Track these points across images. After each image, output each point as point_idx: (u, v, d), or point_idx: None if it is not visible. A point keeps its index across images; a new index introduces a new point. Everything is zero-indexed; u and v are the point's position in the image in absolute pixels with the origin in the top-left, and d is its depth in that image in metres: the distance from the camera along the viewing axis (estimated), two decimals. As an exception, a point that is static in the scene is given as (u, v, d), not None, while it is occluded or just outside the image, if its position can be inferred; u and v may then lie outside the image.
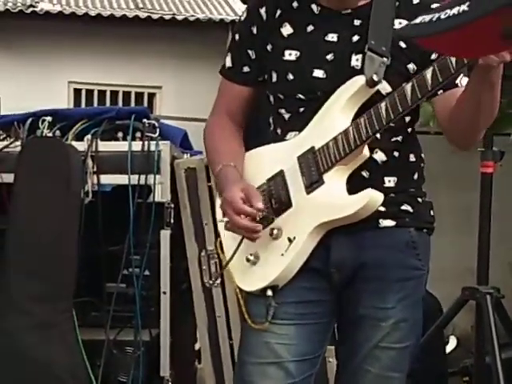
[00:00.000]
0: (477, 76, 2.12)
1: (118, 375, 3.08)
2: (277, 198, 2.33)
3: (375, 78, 2.24)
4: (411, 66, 2.29)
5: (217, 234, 2.53)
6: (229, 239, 2.40)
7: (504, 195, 3.96)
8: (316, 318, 2.36)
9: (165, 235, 3.08)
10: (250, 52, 2.43)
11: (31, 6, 10.44)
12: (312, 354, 2.37)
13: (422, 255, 2.40)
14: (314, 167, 2.29)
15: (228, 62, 2.48)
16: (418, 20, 0.92)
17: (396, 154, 2.33)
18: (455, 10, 0.87)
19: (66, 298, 2.97)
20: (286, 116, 2.38)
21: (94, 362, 2.97)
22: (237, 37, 2.48)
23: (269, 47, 2.39)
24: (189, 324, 3.21)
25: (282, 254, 2.29)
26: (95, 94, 10.81)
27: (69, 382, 2.90)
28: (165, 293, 3.08)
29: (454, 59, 2.09)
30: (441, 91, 2.26)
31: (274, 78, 2.38)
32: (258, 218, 2.24)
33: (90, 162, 3.10)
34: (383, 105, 2.18)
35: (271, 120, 2.47)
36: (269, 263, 2.31)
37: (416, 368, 4.08)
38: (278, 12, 2.39)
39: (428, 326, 4.32)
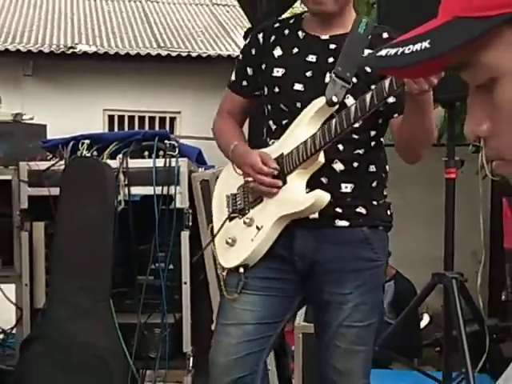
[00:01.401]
0: (409, 103, 2.20)
1: (148, 352, 3.08)
2: (252, 194, 2.40)
3: (334, 99, 2.28)
4: (373, 87, 2.26)
5: (209, 221, 2.61)
6: (216, 223, 2.52)
7: (465, 196, 3.96)
8: (279, 292, 2.41)
9: (184, 235, 3.10)
10: (248, 69, 2.50)
11: (71, 47, 10.50)
12: (272, 319, 2.42)
13: (378, 249, 2.41)
14: (281, 169, 2.34)
15: (233, 76, 2.56)
16: (383, 52, 0.89)
17: (355, 164, 2.36)
18: (418, 46, 0.85)
19: (104, 290, 2.98)
20: (273, 127, 2.44)
21: (129, 341, 2.97)
22: (240, 56, 2.60)
23: (263, 66, 2.44)
24: (206, 308, 3.19)
25: (252, 240, 2.36)
26: (125, 119, 10.83)
27: (109, 360, 2.90)
28: (185, 283, 3.10)
29: (387, 86, 2.13)
30: (396, 114, 2.32)
31: (266, 92, 2.45)
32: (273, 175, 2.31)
33: (121, 176, 3.10)
34: (334, 121, 2.23)
35: (265, 131, 2.51)
36: (241, 246, 2.39)
37: (395, 341, 4.11)
38: (273, 38, 2.44)
39: (405, 306, 4.33)
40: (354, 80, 2.31)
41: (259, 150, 2.38)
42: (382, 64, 0.87)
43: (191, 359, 3.11)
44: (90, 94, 10.29)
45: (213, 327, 3.36)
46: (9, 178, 3.25)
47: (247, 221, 2.38)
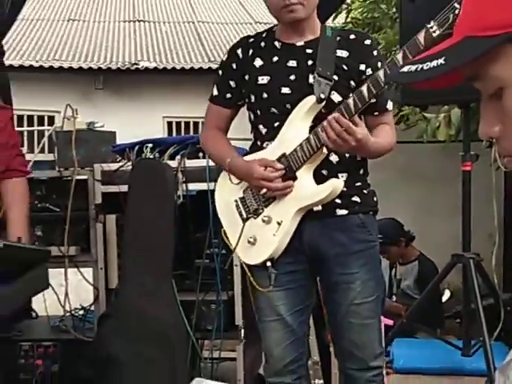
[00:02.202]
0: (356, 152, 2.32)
1: (206, 325, 3.10)
2: (263, 194, 2.34)
3: (322, 96, 2.27)
4: (352, 83, 2.31)
5: (221, 226, 2.52)
6: (229, 228, 2.46)
7: (480, 186, 3.92)
8: (300, 282, 2.41)
9: None
10: (231, 83, 2.46)
11: (135, 64, 10.61)
12: (301, 305, 2.42)
13: (372, 231, 2.42)
14: (289, 168, 2.29)
15: (215, 92, 2.51)
16: (405, 69, 0.90)
17: (347, 155, 2.33)
18: (434, 63, 0.85)
19: (166, 272, 2.99)
20: (264, 130, 2.40)
21: (189, 316, 3.00)
22: (220, 72, 2.52)
23: (246, 77, 2.40)
24: None
25: (274, 235, 2.31)
26: (182, 125, 10.90)
27: (172, 334, 2.90)
28: (236, 265, 3.07)
29: (382, 77, 2.14)
30: (376, 113, 2.33)
31: (253, 99, 2.40)
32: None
33: (180, 174, 3.12)
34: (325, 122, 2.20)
35: (253, 135, 2.48)
36: (264, 242, 2.33)
37: (420, 313, 4.08)
38: (251, 51, 2.42)
39: (428, 283, 4.30)
40: (335, 77, 2.31)
41: (257, 158, 2.34)
42: (406, 79, 0.89)
43: (242, 331, 3.12)
44: (151, 104, 10.38)
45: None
46: (85, 177, 3.30)
47: (266, 219, 2.33)
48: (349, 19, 6.93)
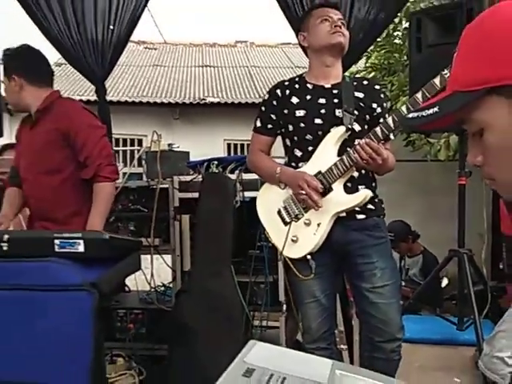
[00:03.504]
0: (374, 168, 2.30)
1: (256, 300, 3.12)
2: (302, 203, 2.31)
3: (349, 126, 2.27)
4: (367, 117, 2.31)
5: (264, 228, 2.48)
6: (270, 230, 2.43)
7: (473, 196, 3.86)
8: (327, 271, 2.37)
9: None
10: (272, 116, 2.43)
11: (203, 99, 10.71)
12: (329, 290, 2.41)
13: (384, 230, 2.39)
14: (325, 182, 2.27)
15: (258, 123, 2.48)
16: (410, 115, 0.93)
17: (363, 171, 2.31)
18: (431, 111, 0.86)
19: (227, 259, 3.01)
20: (299, 154, 2.37)
21: (244, 294, 3.00)
22: (262, 108, 2.48)
23: (285, 111, 2.38)
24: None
25: (314, 234, 2.28)
26: (238, 146, 10.94)
27: (232, 307, 2.93)
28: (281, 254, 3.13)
29: (391, 124, 2.15)
30: (383, 141, 2.26)
31: (290, 128, 2.38)
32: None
33: (238, 185, 3.13)
34: (362, 141, 2.19)
35: (288, 158, 2.45)
36: (305, 240, 2.30)
37: (424, 295, 4.04)
38: (287, 91, 2.40)
39: (430, 272, 4.25)
40: (356, 112, 2.31)
41: (305, 172, 2.30)
42: (411, 123, 0.91)
43: (284, 306, 3.12)
44: (215, 130, 10.47)
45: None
46: (166, 186, 3.34)
47: (307, 221, 2.29)
48: (368, 64, 6.90)
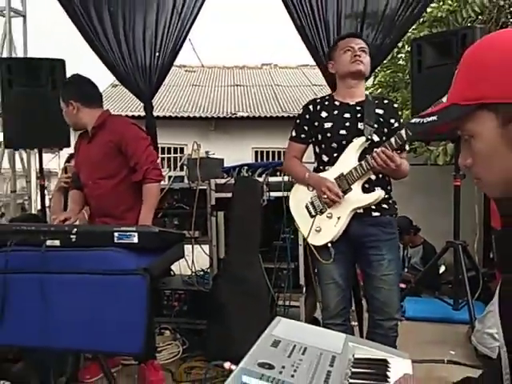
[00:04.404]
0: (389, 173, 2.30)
1: (280, 284, 3.09)
2: (325, 200, 2.32)
3: (369, 137, 2.27)
4: (385, 130, 2.30)
5: (293, 220, 2.49)
6: (300, 221, 2.43)
7: (467, 196, 3.81)
8: (345, 258, 2.37)
9: None
10: (305, 127, 2.43)
11: (234, 113, 10.69)
12: (345, 275, 2.39)
13: (395, 227, 2.37)
14: (345, 182, 2.28)
15: (293, 133, 2.48)
16: (413, 121, 0.93)
17: (380, 175, 2.31)
18: (430, 119, 0.86)
19: (255, 249, 3.02)
20: (326, 159, 2.37)
21: (270, 278, 3.00)
22: (297, 121, 2.48)
23: (315, 123, 2.39)
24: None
25: (335, 225, 2.30)
26: (264, 153, 10.91)
27: (260, 289, 2.95)
28: (301, 245, 3.08)
29: (404, 135, 2.13)
30: (399, 151, 2.26)
31: (319, 138, 2.38)
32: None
33: (265, 186, 3.13)
34: (379, 150, 2.20)
35: (317, 162, 2.45)
36: (327, 231, 2.32)
37: (424, 280, 3.99)
38: (318, 107, 2.41)
39: (429, 260, 4.22)
40: (376, 126, 2.31)
41: (328, 179, 2.32)
42: (413, 128, 0.92)
43: (304, 288, 3.12)
44: (245, 139, 10.45)
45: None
46: (205, 187, 3.35)
47: (329, 215, 2.31)
48: (376, 82, 6.84)
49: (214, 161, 3.65)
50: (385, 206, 2.35)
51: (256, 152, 11.01)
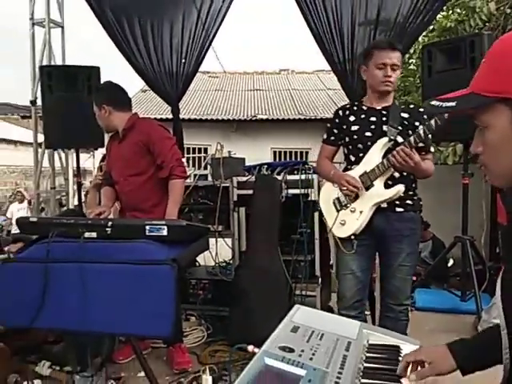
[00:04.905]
0: (413, 171, 2.25)
1: (297, 275, 3.08)
2: (349, 195, 2.32)
3: (392, 137, 2.25)
4: (410, 132, 2.23)
5: (322, 213, 2.49)
6: (327, 214, 2.43)
7: (475, 193, 3.76)
8: (366, 251, 2.36)
9: (316, 215, 3.08)
10: (335, 130, 2.43)
11: (254, 116, 10.72)
12: (365, 267, 2.38)
13: (417, 224, 2.35)
14: (368, 179, 2.27)
15: (325, 136, 2.48)
16: (433, 102, 0.88)
17: (404, 173, 2.29)
18: (449, 104, 0.85)
19: (274, 242, 3.02)
20: (353, 159, 2.36)
21: (288, 269, 2.99)
22: (328, 125, 2.48)
23: (344, 126, 2.38)
24: (326, 253, 3.20)
25: (357, 219, 2.29)
26: (282, 153, 10.93)
27: (279, 279, 2.95)
28: (317, 239, 3.10)
29: (433, 125, 2.08)
30: (424, 153, 2.23)
31: (347, 139, 2.38)
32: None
33: (283, 184, 3.13)
34: (389, 155, 2.20)
35: (345, 161, 2.44)
36: (350, 224, 2.31)
37: (433, 273, 3.95)
38: (347, 112, 2.40)
39: (438, 254, 4.18)
40: (400, 128, 2.28)
41: (348, 174, 2.33)
42: (432, 110, 0.90)
43: (319, 279, 3.12)
44: (264, 140, 10.48)
45: (330, 262, 3.40)
46: (227, 185, 3.36)
47: (352, 209, 2.31)
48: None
49: (235, 160, 3.65)
50: (409, 201, 2.33)
51: (274, 152, 11.03)
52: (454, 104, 0.86)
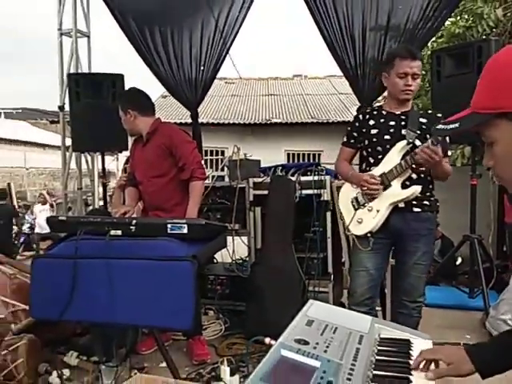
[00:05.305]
0: (431, 168, 2.22)
1: (311, 271, 3.07)
2: (367, 195, 2.30)
3: (410, 140, 2.23)
4: (428, 136, 2.22)
5: (340, 212, 2.46)
6: (345, 213, 2.40)
7: (482, 194, 3.71)
8: (381, 250, 2.34)
9: (328, 214, 3.07)
10: (354, 133, 2.41)
11: (269, 120, 10.71)
12: (380, 265, 2.35)
13: (433, 224, 2.32)
14: (386, 179, 2.25)
15: (345, 138, 2.46)
16: (439, 126, 0.93)
17: (422, 175, 2.27)
18: (452, 126, 0.86)
19: (289, 240, 3.01)
20: (372, 161, 2.34)
21: (302, 266, 2.98)
22: (349, 128, 2.46)
23: (363, 130, 2.36)
24: (338, 250, 3.17)
25: (374, 218, 2.27)
26: (295, 155, 10.89)
27: (293, 275, 2.95)
28: (329, 237, 3.08)
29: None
30: (442, 155, 2.17)
31: (366, 142, 2.36)
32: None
33: (297, 185, 3.12)
34: (412, 154, 2.19)
35: (364, 164, 2.41)
36: (367, 222, 2.29)
37: (442, 271, 3.91)
38: (367, 116, 2.38)
39: (447, 252, 4.13)
40: (418, 132, 2.26)
41: (367, 173, 2.31)
42: (438, 133, 0.92)
43: (332, 276, 3.11)
44: (278, 143, 10.44)
45: (342, 260, 3.39)
46: (244, 185, 3.36)
47: (370, 208, 2.29)
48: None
49: (251, 162, 3.66)
50: (426, 202, 2.31)
51: (288, 154, 10.99)
52: (457, 125, 0.87)
